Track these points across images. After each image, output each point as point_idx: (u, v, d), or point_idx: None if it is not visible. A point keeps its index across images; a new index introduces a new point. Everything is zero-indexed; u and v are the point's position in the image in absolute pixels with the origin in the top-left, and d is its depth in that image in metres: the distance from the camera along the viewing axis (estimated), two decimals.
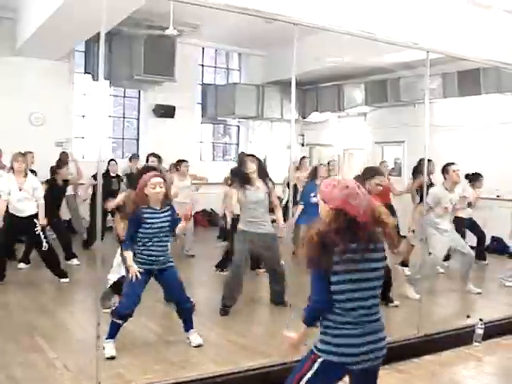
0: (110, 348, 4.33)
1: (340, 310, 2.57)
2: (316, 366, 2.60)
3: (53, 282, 6.90)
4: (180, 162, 8.87)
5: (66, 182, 8.30)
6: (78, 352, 4.49)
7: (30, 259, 7.64)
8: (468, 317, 5.47)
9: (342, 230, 2.52)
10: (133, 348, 4.62)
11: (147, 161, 7.46)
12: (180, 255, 8.37)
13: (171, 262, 4.63)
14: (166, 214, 4.53)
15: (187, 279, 7.36)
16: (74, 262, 7.91)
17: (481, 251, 8.72)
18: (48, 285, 6.91)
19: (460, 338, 5.15)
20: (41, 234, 6.73)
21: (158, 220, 4.46)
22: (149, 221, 4.43)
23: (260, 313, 6.15)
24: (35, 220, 6.72)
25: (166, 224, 4.52)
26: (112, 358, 4.27)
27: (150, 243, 4.45)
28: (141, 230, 4.45)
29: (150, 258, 4.47)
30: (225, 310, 5.72)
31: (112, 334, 4.39)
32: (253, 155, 6.19)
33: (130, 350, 4.54)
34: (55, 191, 7.79)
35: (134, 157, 10.21)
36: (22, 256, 7.64)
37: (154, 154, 7.43)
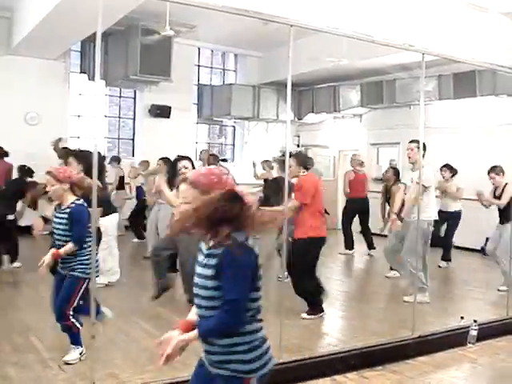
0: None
1: (258, 313, 2.28)
2: None
3: (47, 281, 6.86)
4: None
5: None
6: None
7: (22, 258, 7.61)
8: (462, 318, 5.48)
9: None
10: (127, 348, 4.62)
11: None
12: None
13: (73, 272, 4.16)
14: (63, 214, 4.14)
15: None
16: None
17: (445, 251, 8.79)
18: (42, 284, 6.87)
19: (454, 340, 5.17)
20: None
21: (55, 218, 4.23)
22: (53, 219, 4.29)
23: None
24: None
25: (62, 226, 4.14)
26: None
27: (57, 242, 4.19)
28: None
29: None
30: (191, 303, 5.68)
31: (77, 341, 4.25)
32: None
33: (124, 351, 4.54)
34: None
35: (114, 159, 10.43)
36: (11, 256, 7.55)
37: None
